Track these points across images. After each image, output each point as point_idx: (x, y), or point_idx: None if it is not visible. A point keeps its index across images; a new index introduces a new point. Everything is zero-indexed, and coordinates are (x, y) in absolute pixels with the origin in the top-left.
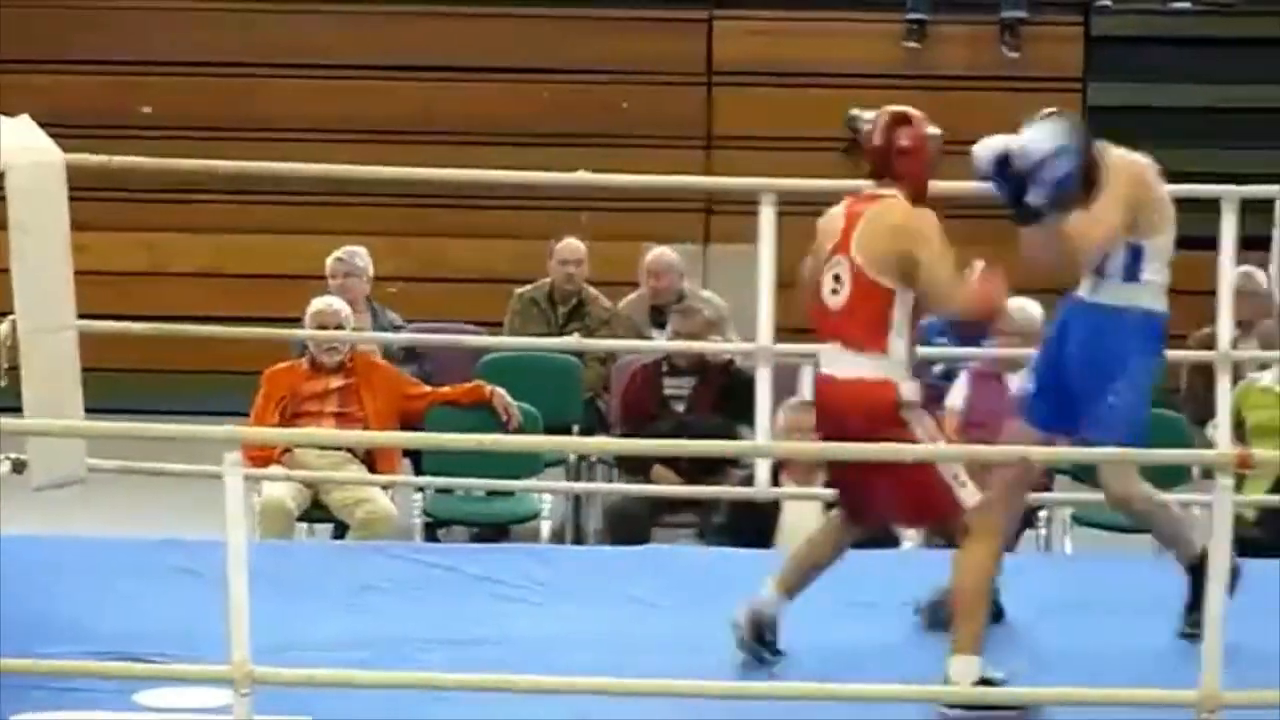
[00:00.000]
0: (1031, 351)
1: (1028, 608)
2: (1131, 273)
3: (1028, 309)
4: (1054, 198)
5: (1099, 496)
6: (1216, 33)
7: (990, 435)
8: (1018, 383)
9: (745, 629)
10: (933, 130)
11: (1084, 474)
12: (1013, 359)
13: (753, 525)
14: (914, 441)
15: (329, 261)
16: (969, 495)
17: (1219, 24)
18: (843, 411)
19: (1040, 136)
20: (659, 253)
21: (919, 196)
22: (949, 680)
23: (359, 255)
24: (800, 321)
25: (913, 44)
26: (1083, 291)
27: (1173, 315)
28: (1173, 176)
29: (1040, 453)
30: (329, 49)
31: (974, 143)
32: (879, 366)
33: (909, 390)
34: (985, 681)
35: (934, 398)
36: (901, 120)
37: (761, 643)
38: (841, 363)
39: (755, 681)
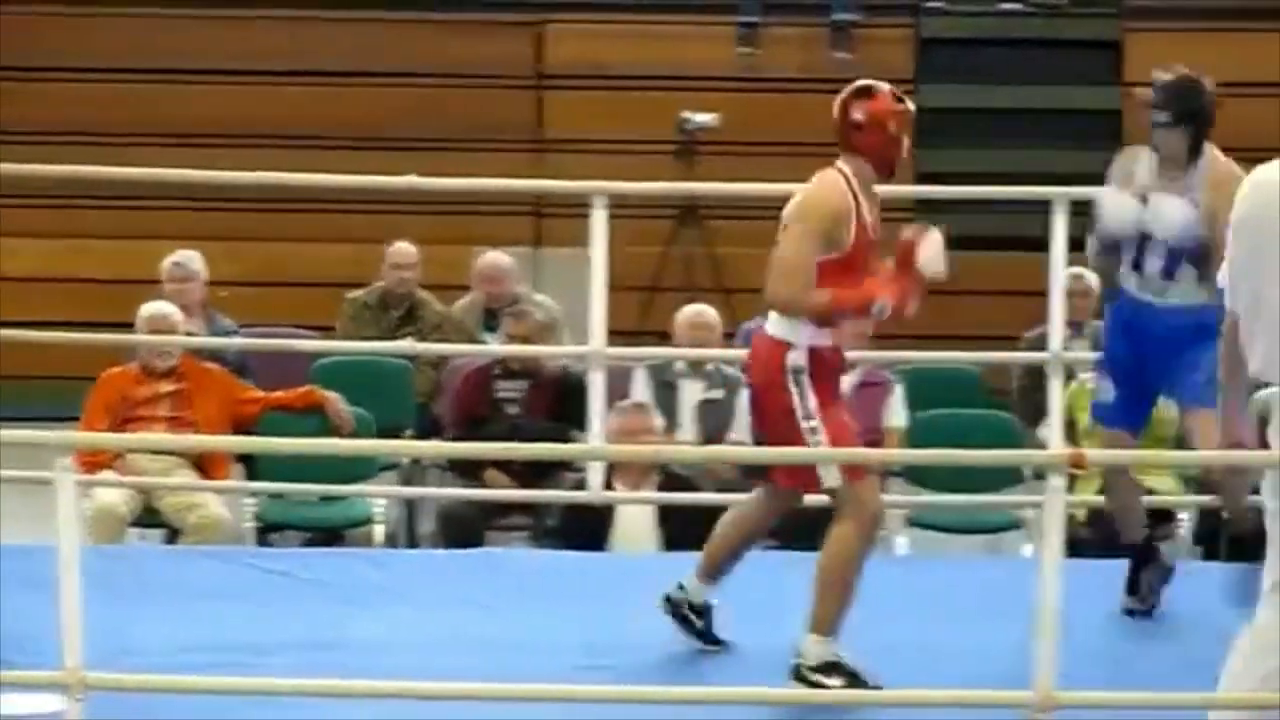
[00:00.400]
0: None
1: (863, 608)
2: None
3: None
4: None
5: (934, 498)
6: (1046, 34)
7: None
8: (849, 383)
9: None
10: (895, 105)
11: (918, 476)
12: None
13: (585, 528)
14: (787, 405)
15: (164, 266)
16: (830, 474)
17: (1048, 26)
18: (750, 361)
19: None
20: (492, 257)
21: (883, 170)
22: (799, 654)
23: (194, 260)
24: (632, 324)
25: (745, 49)
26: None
27: (1003, 316)
28: (1002, 178)
29: (872, 454)
30: (160, 52)
31: (804, 144)
32: (783, 327)
33: (795, 357)
34: (833, 665)
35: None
36: (861, 93)
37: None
38: (769, 319)
39: (591, 685)
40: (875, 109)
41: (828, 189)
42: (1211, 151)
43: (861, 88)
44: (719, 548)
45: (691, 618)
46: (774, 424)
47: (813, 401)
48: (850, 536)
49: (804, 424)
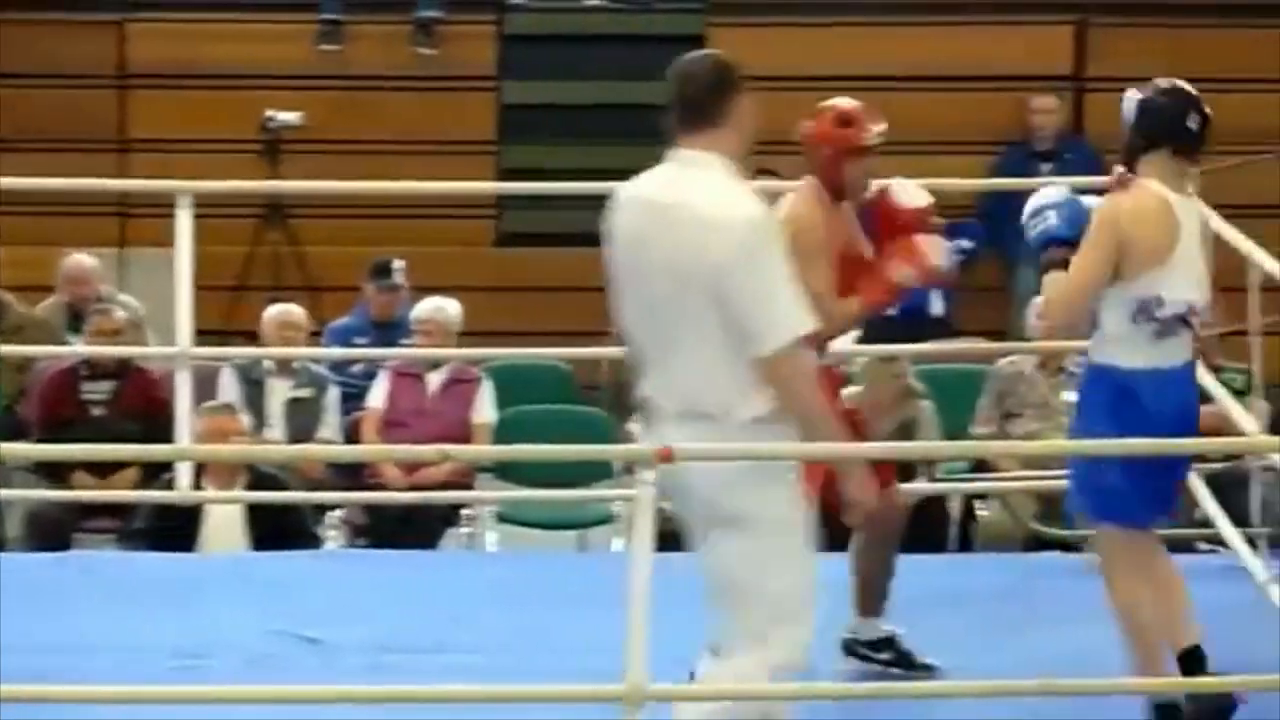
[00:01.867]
0: None
1: (455, 603)
2: None
3: (439, 308)
4: None
5: (522, 493)
6: (630, 30)
7: (410, 434)
8: (437, 380)
9: None
10: (844, 129)
11: (508, 472)
12: (431, 358)
13: (175, 529)
14: None
15: None
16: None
17: (632, 21)
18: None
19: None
20: (76, 259)
21: (830, 192)
22: None
23: None
24: (219, 324)
25: (328, 46)
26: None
27: (593, 311)
28: (587, 173)
29: (458, 451)
30: None
31: (388, 141)
32: None
33: None
34: None
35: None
36: (817, 113)
37: None
38: None
39: (180, 686)
40: (813, 132)
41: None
42: None
43: (821, 108)
44: (858, 578)
45: (870, 654)
46: None
47: None
48: None
49: None
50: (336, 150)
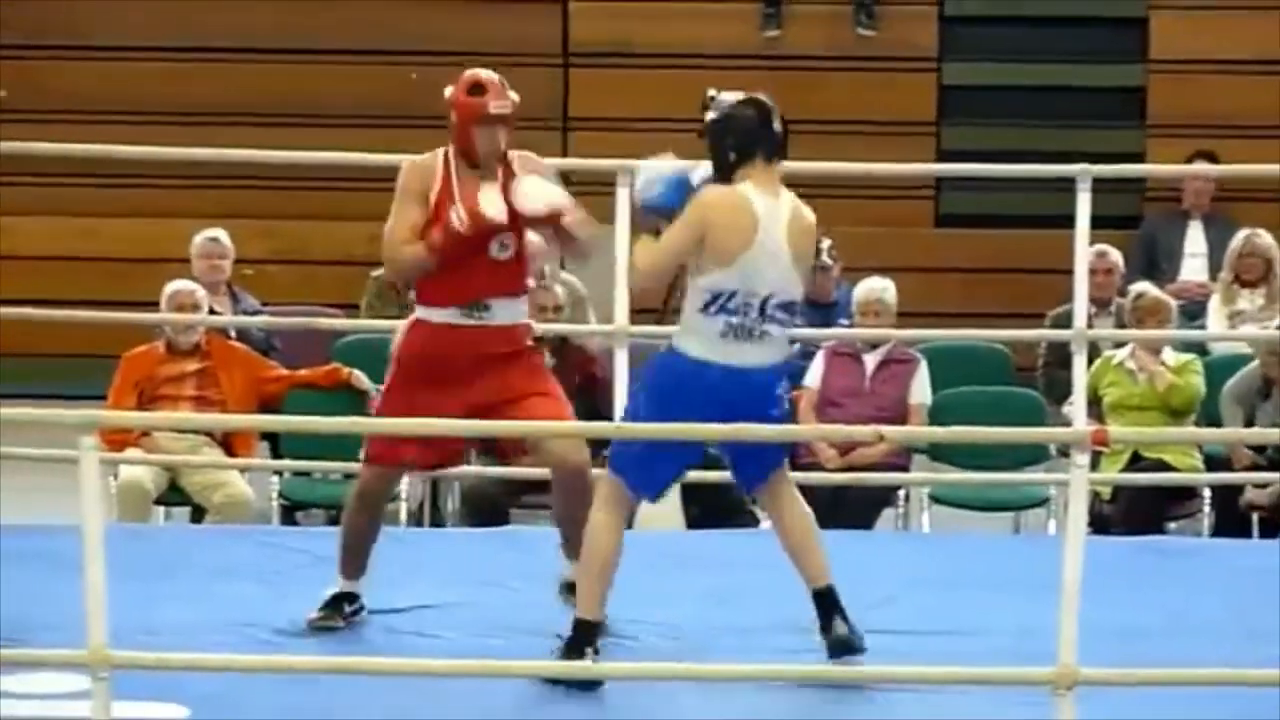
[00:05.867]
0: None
1: (889, 584)
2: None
3: (883, 289)
4: None
5: (957, 475)
6: (1072, 12)
7: (845, 414)
8: (873, 361)
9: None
10: (473, 97)
11: (942, 454)
12: (870, 338)
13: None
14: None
15: (195, 243)
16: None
17: (1074, 4)
18: None
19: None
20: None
21: (462, 155)
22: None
23: (223, 238)
24: (653, 302)
25: (770, 32)
26: None
27: (1028, 294)
28: (1026, 156)
29: (894, 432)
30: (184, 30)
31: (832, 122)
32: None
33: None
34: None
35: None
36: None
37: None
38: None
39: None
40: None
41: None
42: None
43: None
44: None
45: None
46: None
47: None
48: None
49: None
50: None
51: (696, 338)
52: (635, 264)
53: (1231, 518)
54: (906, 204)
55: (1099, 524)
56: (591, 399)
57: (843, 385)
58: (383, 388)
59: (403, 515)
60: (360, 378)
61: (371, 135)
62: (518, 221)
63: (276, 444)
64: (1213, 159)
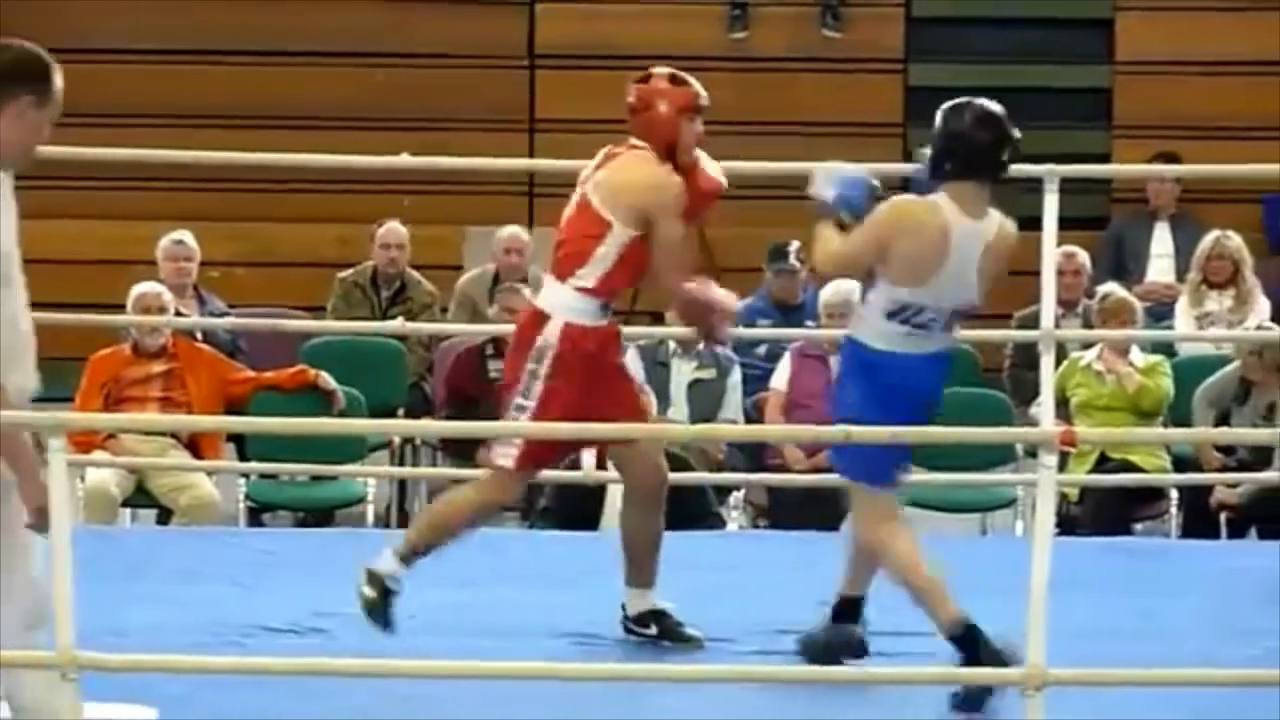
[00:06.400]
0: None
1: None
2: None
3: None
4: None
5: (924, 476)
6: (1038, 13)
7: (812, 415)
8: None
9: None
10: (665, 90)
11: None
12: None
13: (578, 509)
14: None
15: (162, 245)
16: (501, 453)
17: (1040, 4)
18: None
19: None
20: (513, 230)
21: (664, 155)
22: (368, 569)
23: (190, 240)
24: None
25: (737, 34)
26: None
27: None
28: None
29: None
30: (153, 33)
31: (799, 123)
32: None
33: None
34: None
35: (758, 377)
36: (641, 78)
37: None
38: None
39: (577, 664)
40: (646, 92)
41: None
42: None
43: (645, 73)
44: (623, 546)
45: (635, 629)
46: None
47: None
48: (471, 502)
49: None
50: (741, 132)
51: (878, 336)
52: (820, 259)
53: (1200, 519)
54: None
55: (1067, 525)
56: None
57: (810, 387)
58: (532, 389)
59: (370, 517)
60: (327, 379)
61: (338, 137)
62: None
63: (243, 446)
64: (1174, 160)
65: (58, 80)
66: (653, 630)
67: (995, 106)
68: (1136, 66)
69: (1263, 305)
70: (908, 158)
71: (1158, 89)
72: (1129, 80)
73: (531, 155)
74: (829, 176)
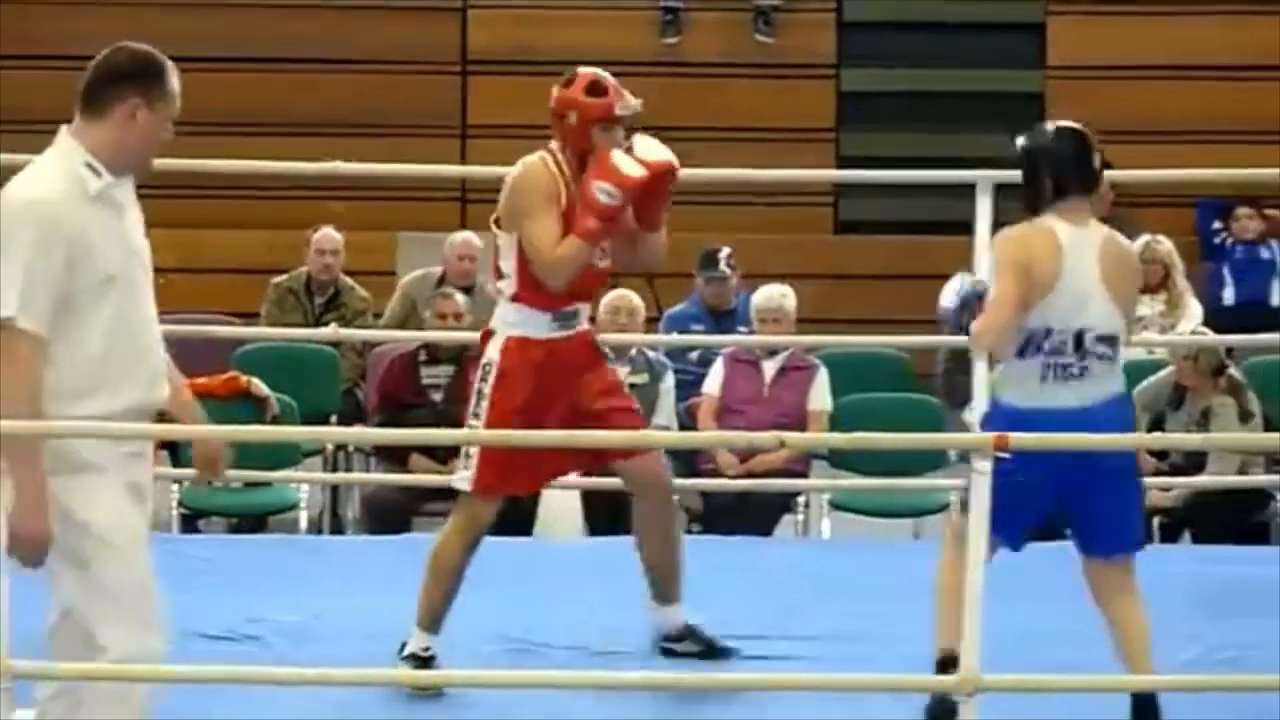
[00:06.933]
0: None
1: (790, 591)
2: None
3: (782, 295)
4: None
5: (857, 481)
6: (970, 18)
7: (745, 420)
8: (773, 367)
9: None
10: (578, 101)
11: (843, 460)
12: (769, 345)
13: (511, 515)
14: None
15: None
16: (461, 477)
17: (972, 9)
18: None
19: None
20: (467, 237)
21: (577, 162)
22: (403, 658)
23: None
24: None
25: (669, 39)
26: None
27: (930, 299)
28: (925, 162)
29: (795, 438)
30: (88, 39)
31: (731, 129)
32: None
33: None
34: (420, 659)
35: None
36: (564, 81)
37: None
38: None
39: (518, 670)
40: (563, 99)
41: (538, 173)
42: None
43: (569, 75)
44: (644, 565)
45: (671, 647)
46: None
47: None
48: (454, 542)
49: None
50: (675, 137)
51: (1015, 386)
52: (987, 340)
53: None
54: (806, 210)
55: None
56: None
57: (742, 392)
58: (479, 407)
59: (303, 523)
60: (259, 385)
61: (270, 143)
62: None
63: (176, 452)
64: (1108, 165)
65: (173, 81)
66: (693, 648)
67: (1068, 122)
68: (1068, 71)
69: (1195, 309)
70: (840, 163)
71: (1089, 93)
72: (1061, 85)
73: (464, 161)
74: (952, 289)
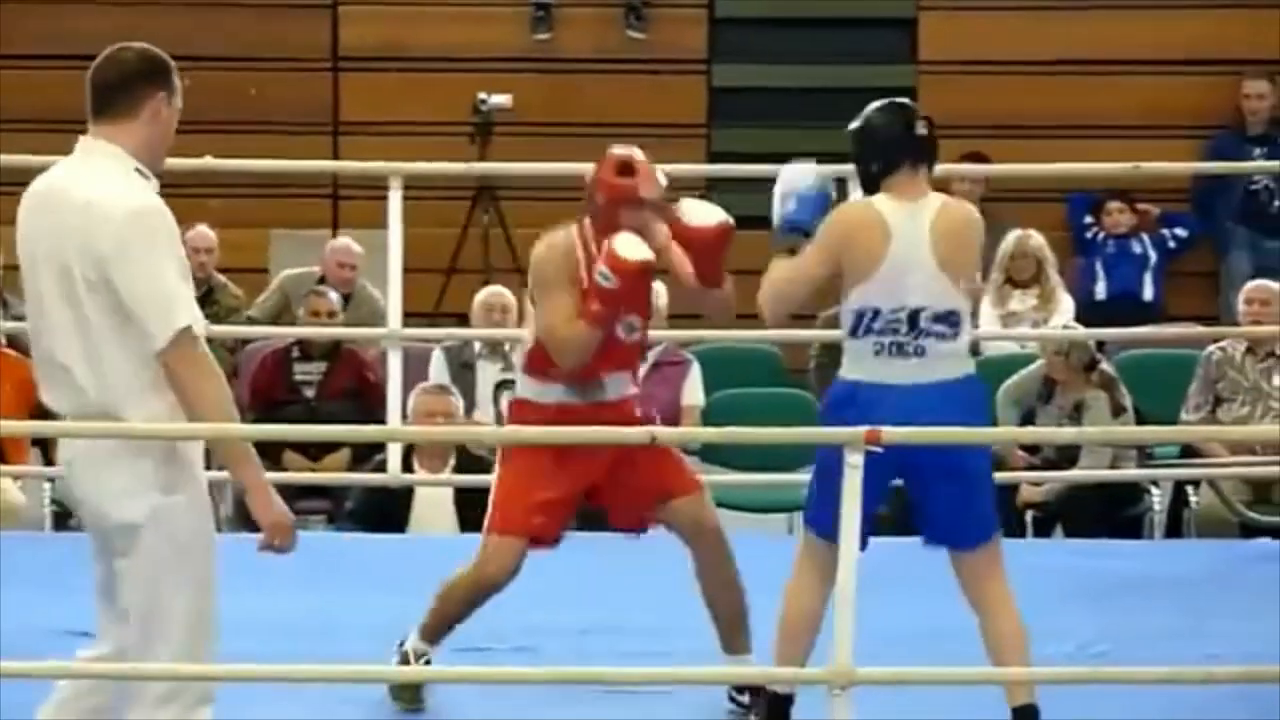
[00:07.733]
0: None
1: (661, 587)
2: None
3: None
4: None
5: (731, 477)
6: (841, 13)
7: None
8: (645, 363)
9: None
10: (605, 181)
11: (716, 455)
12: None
13: (385, 511)
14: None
15: None
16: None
17: (843, 5)
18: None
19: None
20: (347, 243)
21: (602, 234)
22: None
23: None
24: (429, 306)
25: (540, 35)
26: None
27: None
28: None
29: (668, 433)
30: (80, 38)
31: (602, 124)
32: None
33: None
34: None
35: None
36: (605, 157)
37: None
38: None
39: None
40: (594, 179)
41: (550, 251)
42: None
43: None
44: (711, 613)
45: (735, 695)
46: None
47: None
48: (469, 582)
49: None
50: (547, 133)
51: (852, 362)
52: (765, 295)
53: (1006, 518)
54: None
55: (872, 525)
56: (366, 403)
57: None
58: (500, 468)
59: None
60: None
61: None
62: (646, 278)
63: (48, 450)
64: (982, 160)
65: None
66: (754, 708)
67: (892, 99)
68: (940, 66)
69: (1066, 304)
70: (711, 158)
71: (961, 88)
72: (933, 80)
73: (336, 158)
74: (788, 192)
